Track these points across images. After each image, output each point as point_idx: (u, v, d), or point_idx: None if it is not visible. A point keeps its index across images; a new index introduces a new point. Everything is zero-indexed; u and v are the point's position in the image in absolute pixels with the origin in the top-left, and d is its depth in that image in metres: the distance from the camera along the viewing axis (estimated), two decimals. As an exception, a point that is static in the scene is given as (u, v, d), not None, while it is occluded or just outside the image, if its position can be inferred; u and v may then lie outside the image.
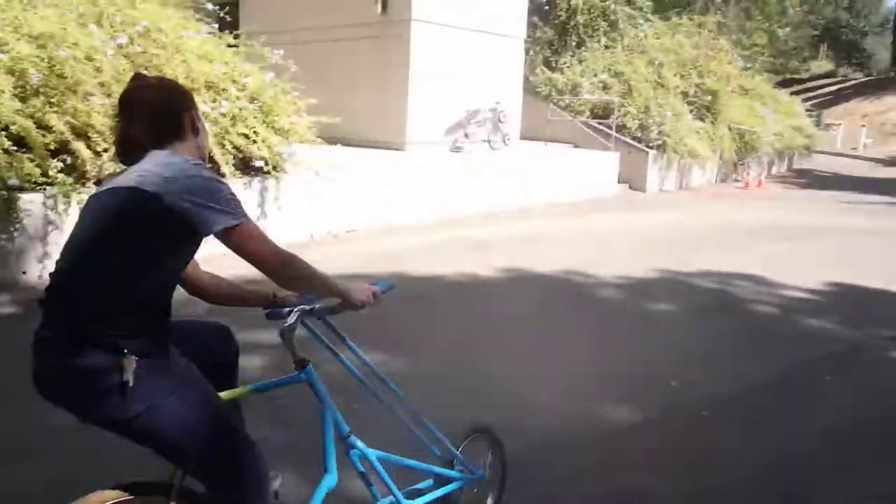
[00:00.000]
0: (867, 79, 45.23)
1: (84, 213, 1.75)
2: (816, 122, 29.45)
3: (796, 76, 47.06)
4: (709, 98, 17.03)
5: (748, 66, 19.78)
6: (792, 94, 30.11)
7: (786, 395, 4.54)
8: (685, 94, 16.85)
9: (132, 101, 1.85)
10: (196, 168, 1.73)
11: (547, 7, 16.73)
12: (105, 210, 1.69)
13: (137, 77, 2.02)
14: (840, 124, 34.35)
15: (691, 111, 16.84)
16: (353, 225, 9.26)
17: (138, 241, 1.66)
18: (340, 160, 8.84)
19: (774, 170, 22.66)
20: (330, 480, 2.00)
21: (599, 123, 15.78)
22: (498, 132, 13.51)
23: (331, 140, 9.00)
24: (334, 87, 12.65)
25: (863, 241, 10.91)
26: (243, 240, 1.71)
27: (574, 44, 16.90)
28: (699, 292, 7.14)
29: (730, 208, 14.03)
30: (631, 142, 15.61)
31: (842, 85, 44.26)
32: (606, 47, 17.13)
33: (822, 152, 28.69)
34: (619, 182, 15.03)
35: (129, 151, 1.81)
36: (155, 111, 1.83)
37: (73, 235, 1.73)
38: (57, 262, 1.73)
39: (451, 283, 7.05)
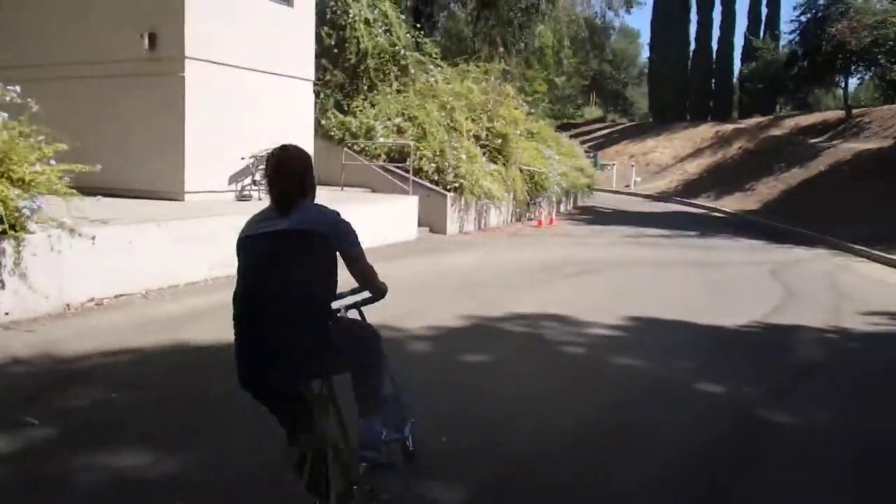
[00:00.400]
0: (631, 123, 50.40)
1: (259, 243, 2.63)
2: (594, 163, 31.91)
3: (572, 121, 51.27)
4: (499, 141, 17.45)
5: (532, 111, 20.70)
6: (570, 137, 32.48)
7: (616, 447, 4.14)
8: (477, 138, 17.11)
9: (285, 165, 2.74)
10: (338, 215, 2.79)
11: (336, 50, 16.21)
12: (288, 245, 2.60)
13: (285, 148, 2.82)
14: (614, 164, 37.64)
15: (484, 154, 17.11)
16: (124, 288, 7.81)
17: (322, 263, 2.67)
18: (105, 214, 7.46)
19: (562, 208, 23.91)
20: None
21: (396, 167, 15.45)
22: (289, 179, 12.60)
23: (91, 191, 7.57)
24: (97, 131, 11.08)
25: (651, 273, 11.48)
26: (359, 261, 2.86)
27: (366, 87, 16.52)
28: (511, 338, 6.76)
29: (528, 246, 14.25)
30: (429, 185, 15.43)
31: (611, 129, 48.87)
32: (398, 91, 16.96)
33: (601, 190, 31.08)
34: (419, 226, 14.71)
35: (288, 205, 2.66)
36: (305, 174, 2.77)
37: (254, 258, 2.62)
38: (246, 282, 2.61)
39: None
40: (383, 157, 15.79)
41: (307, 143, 13.26)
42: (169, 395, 4.82)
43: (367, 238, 11.55)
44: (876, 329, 7.97)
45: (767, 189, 26.54)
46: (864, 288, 10.98)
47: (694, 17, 43.64)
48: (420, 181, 15.36)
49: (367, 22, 16.43)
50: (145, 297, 7.79)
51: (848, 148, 25.77)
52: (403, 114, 16.40)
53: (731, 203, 26.94)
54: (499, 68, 19.29)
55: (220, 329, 6.59)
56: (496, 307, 7.87)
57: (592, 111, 58.52)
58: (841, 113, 30.43)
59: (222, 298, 7.88)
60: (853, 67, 28.07)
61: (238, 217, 10.02)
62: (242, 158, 11.65)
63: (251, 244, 2.66)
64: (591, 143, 40.07)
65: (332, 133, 15.76)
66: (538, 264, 11.60)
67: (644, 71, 55.08)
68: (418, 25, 18.51)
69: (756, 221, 22.31)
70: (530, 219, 19.89)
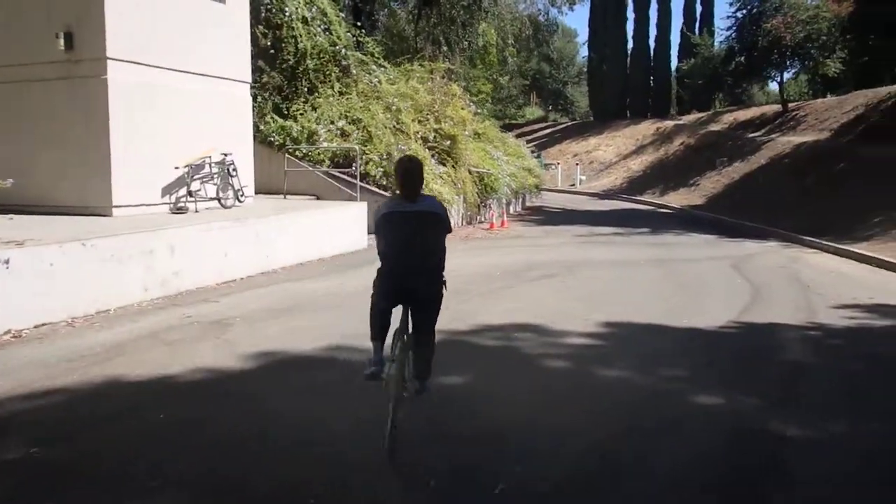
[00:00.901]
0: (573, 122, 50.67)
1: (404, 217, 3.99)
2: (539, 163, 31.71)
3: (514, 121, 51.24)
4: (448, 142, 16.91)
5: (478, 111, 20.23)
6: (515, 137, 32.21)
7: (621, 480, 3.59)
8: (425, 139, 16.53)
9: (414, 167, 4.16)
10: (442, 204, 4.27)
11: (272, 51, 15.36)
12: (424, 220, 4.02)
13: (411, 158, 4.54)
14: (558, 163, 37.60)
15: (433, 156, 16.55)
16: (46, 317, 6.91)
17: (441, 235, 4.13)
18: (20, 234, 6.57)
19: (512, 209, 23.52)
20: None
21: (342, 172, 14.73)
22: (229, 188, 11.77)
23: (3, 209, 6.67)
24: (7, 142, 10.12)
25: (614, 273, 11.10)
26: (446, 235, 4.23)
27: (306, 89, 15.71)
28: (487, 354, 6.19)
29: (484, 251, 13.71)
30: (377, 190, 14.77)
31: (553, 128, 49.00)
32: (341, 93, 16.22)
33: (547, 189, 30.90)
34: (369, 233, 13.99)
35: (414, 194, 4.03)
36: (422, 174, 4.21)
37: (403, 228, 3.98)
38: (401, 251, 4.02)
39: (183, 387, 5.27)
40: (328, 162, 15.05)
41: (246, 150, 12.51)
42: (102, 448, 4.07)
43: (314, 249, 10.76)
44: (852, 324, 7.74)
45: (711, 184, 26.76)
46: (825, 280, 10.82)
47: (631, 15, 44.11)
48: (368, 186, 14.70)
49: (304, 20, 15.64)
50: (71, 325, 6.95)
51: (786, 141, 26.18)
52: (347, 116, 15.69)
53: (677, 198, 27.06)
54: (444, 67, 18.75)
55: (160, 359, 5.87)
56: (463, 319, 7.29)
57: (534, 111, 58.69)
58: (777, 107, 31.02)
59: (161, 322, 7.20)
60: (788, 62, 28.58)
61: (176, 231, 9.26)
62: (176, 168, 10.76)
63: (396, 218, 4.04)
64: (534, 143, 39.92)
65: (272, 138, 14.92)
66: (498, 269, 11.07)
67: (583, 70, 55.51)
68: (358, 24, 17.78)
69: (703, 216, 22.37)
70: (481, 221, 19.39)
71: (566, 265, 11.65)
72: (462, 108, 17.98)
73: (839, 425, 4.72)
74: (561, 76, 56.75)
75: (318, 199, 14.47)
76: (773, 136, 27.91)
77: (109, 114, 9.79)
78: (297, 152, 14.86)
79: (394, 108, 16.33)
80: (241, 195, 11.94)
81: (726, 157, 28.23)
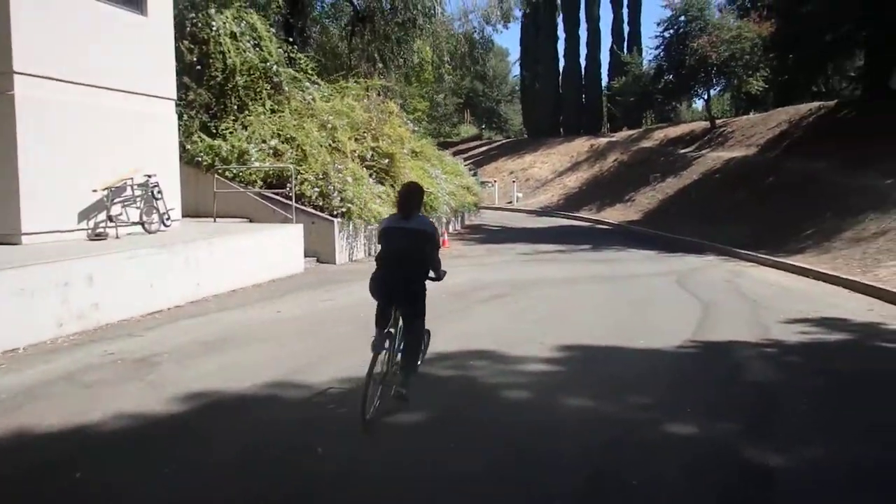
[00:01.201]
0: (507, 140, 51.04)
1: (395, 232, 4.89)
2: (476, 181, 31.58)
3: (449, 139, 51.24)
4: (386, 161, 16.46)
5: (415, 129, 19.88)
6: (451, 155, 32.02)
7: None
8: (363, 158, 16.04)
9: (414, 191, 5.08)
10: (433, 224, 5.16)
11: (199, 67, 14.61)
12: (411, 235, 4.83)
13: (411, 183, 5.50)
14: (495, 181, 37.62)
15: (371, 175, 16.06)
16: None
17: (426, 248, 4.91)
18: None
19: (451, 228, 23.22)
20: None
21: (275, 193, 14.06)
22: (154, 211, 10.98)
23: None
24: None
25: (562, 292, 10.82)
26: (436, 253, 5.06)
27: (235, 107, 14.99)
28: (440, 386, 5.74)
29: (425, 274, 13.28)
30: (313, 211, 14.16)
31: (489, 146, 49.19)
32: (273, 111, 15.56)
33: (485, 207, 30.75)
34: (306, 256, 13.43)
35: (409, 214, 4.87)
36: (420, 198, 5.10)
37: (395, 242, 4.88)
38: (389, 257, 4.89)
39: (104, 438, 4.62)
40: (260, 183, 14.35)
41: (172, 170, 11.79)
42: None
43: (248, 274, 10.04)
44: (806, 339, 7.63)
45: (646, 199, 27.13)
46: (769, 294, 10.82)
47: (562, 34, 44.86)
48: (303, 207, 14.07)
49: (233, 35, 14.96)
50: (-33, 370, 6.12)
51: (716, 157, 26.83)
52: (280, 135, 15.04)
53: (614, 214, 27.32)
54: (380, 84, 18.33)
55: (77, 405, 5.12)
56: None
57: (468, 129, 58.94)
58: (706, 124, 31.86)
59: (78, 361, 6.40)
60: (714, 80, 29.42)
61: (94, 260, 8.46)
62: (95, 191, 9.94)
63: (392, 232, 4.96)
64: (470, 161, 39.74)
65: (200, 158, 14.14)
66: (444, 291, 10.56)
67: (515, 88, 56.15)
68: (290, 40, 17.16)
69: (641, 231, 22.57)
70: (421, 241, 18.99)
71: (514, 284, 11.33)
72: (400, 126, 17.57)
73: (818, 450, 4.50)
74: (494, 94, 57.24)
75: (250, 221, 13.76)
76: (702, 151, 28.59)
77: (17, 132, 8.95)
78: (227, 173, 14.12)
79: (329, 126, 15.78)
80: (167, 219, 11.17)
81: (659, 173, 28.73)
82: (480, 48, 25.73)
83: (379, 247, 5.16)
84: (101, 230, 10.08)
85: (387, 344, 4.86)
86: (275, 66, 15.74)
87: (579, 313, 9.04)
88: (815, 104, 25.68)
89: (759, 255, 15.04)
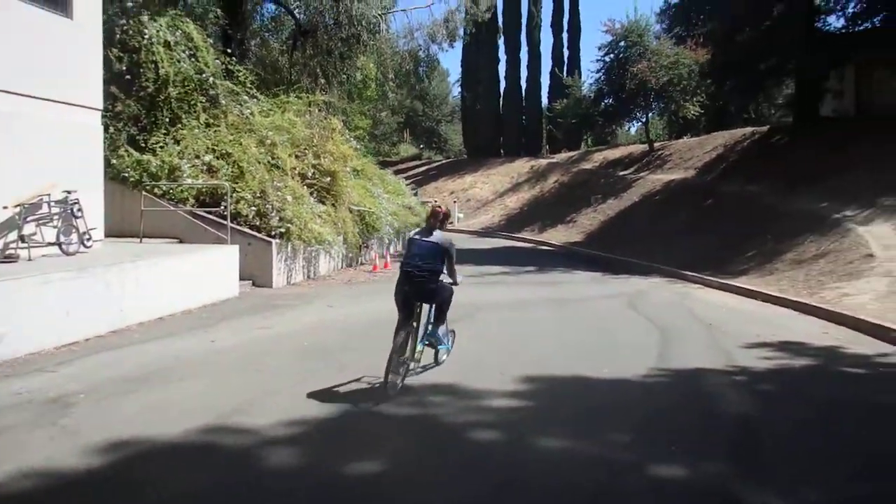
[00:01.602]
0: (447, 160, 50.90)
1: (418, 244, 6.18)
2: (417, 201, 31.12)
3: (388, 159, 50.73)
4: (328, 179, 15.79)
5: (357, 147, 19.27)
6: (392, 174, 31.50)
7: None
8: (303, 176, 15.34)
9: (438, 213, 6.37)
10: (451, 239, 6.34)
11: (129, 77, 13.69)
12: (430, 248, 6.08)
13: (439, 206, 6.88)
14: (435, 201, 37.21)
15: (312, 194, 15.37)
16: None
17: (441, 261, 6.14)
18: None
19: (393, 249, 22.65)
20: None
21: (209, 212, 13.22)
22: (73, 230, 10.02)
23: None
24: None
25: (515, 317, 10.43)
26: (453, 264, 6.29)
27: (167, 120, 14.08)
28: (399, 427, 5.18)
29: (371, 296, 12.63)
30: (250, 232, 13.38)
31: (428, 166, 48.93)
32: (208, 125, 14.71)
33: (426, 228, 30.27)
34: (241, 279, 12.64)
35: (431, 229, 6.21)
36: (444, 219, 6.39)
37: (416, 250, 6.16)
38: (411, 261, 6.13)
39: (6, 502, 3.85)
40: (192, 201, 13.46)
41: (95, 186, 10.90)
42: None
43: (178, 300, 9.14)
44: (772, 365, 7.42)
45: (588, 220, 27.21)
46: (722, 317, 10.64)
47: (503, 56, 45.21)
48: (239, 227, 13.27)
49: (166, 45, 14.09)
50: None
51: (656, 179, 27.20)
52: (215, 150, 14.18)
53: (556, 235, 27.28)
54: (322, 100, 17.67)
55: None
56: (365, 381, 6.23)
57: (408, 149, 58.58)
58: (644, 146, 32.39)
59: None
60: (653, 104, 29.96)
61: (1, 286, 7.57)
62: (5, 208, 8.99)
63: (417, 242, 6.22)
64: (410, 181, 39.27)
65: (127, 174, 13.18)
66: (391, 317, 10.05)
67: (456, 108, 56.19)
68: (228, 51, 16.35)
69: (584, 252, 22.50)
70: (362, 263, 18.35)
71: (464, 309, 10.77)
72: (343, 143, 16.95)
73: (820, 491, 4.15)
74: (434, 114, 57.15)
75: (181, 242, 12.88)
76: (642, 174, 28.95)
77: (-86, 141, 7.98)
78: (156, 190, 13.19)
79: (268, 142, 15.03)
80: (88, 239, 10.24)
81: (600, 194, 28.93)
82: (425, 66, 25.38)
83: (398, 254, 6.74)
84: (12, 251, 9.11)
85: (406, 332, 6.20)
86: (211, 78, 14.92)
87: (537, 340, 8.62)
88: (749, 129, 26.39)
89: (705, 277, 15.03)
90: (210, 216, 13.19)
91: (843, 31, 21.47)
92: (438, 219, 6.31)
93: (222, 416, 5.26)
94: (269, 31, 23.44)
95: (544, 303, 11.91)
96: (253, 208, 13.60)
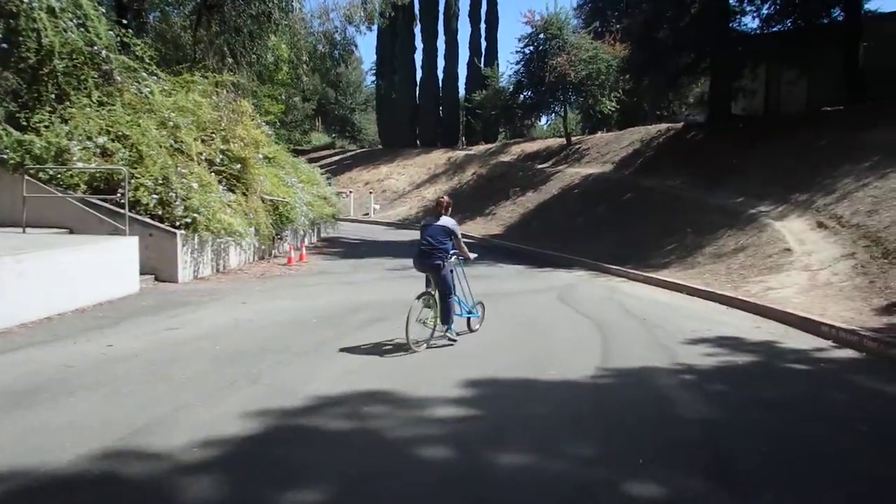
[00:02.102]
0: (362, 150, 49.77)
1: (430, 227, 7.66)
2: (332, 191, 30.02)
3: (300, 147, 49.09)
4: (238, 166, 14.65)
5: (269, 133, 18.08)
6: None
7: None
8: (211, 162, 14.15)
9: (443, 202, 7.95)
10: (455, 222, 7.82)
11: (6, 46, 12.12)
12: (439, 229, 7.60)
13: (445, 196, 9.79)
14: (350, 192, 36.20)
15: (220, 181, 14.22)
16: None
17: (448, 238, 7.63)
18: None
19: (308, 241, 21.61)
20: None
21: (104, 200, 11.91)
22: (-63, 219, 8.64)
23: None
24: None
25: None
26: (459, 241, 7.80)
27: (53, 97, 12.58)
28: (334, 444, 4.47)
29: (288, 291, 11.71)
30: (151, 222, 12.17)
31: (342, 155, 47.67)
32: (101, 104, 13.26)
33: (341, 219, 29.27)
34: (142, 274, 11.47)
35: (439, 215, 7.71)
36: (448, 207, 7.85)
37: (427, 232, 7.60)
38: (423, 240, 7.60)
39: None
40: (84, 187, 12.11)
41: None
42: None
43: (69, 297, 7.88)
44: (716, 362, 7.13)
45: (507, 213, 26.96)
46: (653, 311, 10.39)
47: (420, 45, 44.49)
48: (139, 217, 12.05)
49: (51, 11, 12.54)
50: None
51: (574, 172, 27.24)
52: (110, 132, 12.80)
53: (476, 228, 26.85)
54: (231, 80, 16.40)
55: None
56: (290, 391, 5.46)
57: (320, 137, 56.97)
58: (562, 140, 32.48)
59: None
60: (572, 97, 29.99)
61: None
62: None
63: (427, 225, 7.68)
64: (323, 171, 38.15)
65: (6, 155, 11.68)
66: (313, 315, 9.22)
67: (370, 97, 55.06)
68: (124, 22, 14.83)
69: (505, 246, 22.15)
70: (276, 256, 17.29)
71: (392, 306, 10.10)
72: (255, 128, 15.80)
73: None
74: (348, 102, 55.78)
75: (71, 232, 11.56)
76: (560, 167, 28.97)
77: None
78: (41, 174, 11.77)
79: (171, 124, 13.75)
80: (-43, 228, 8.87)
81: (519, 187, 28.75)
82: (341, 49, 24.22)
83: None
84: None
85: (422, 298, 7.49)
86: (104, 52, 13.47)
87: (474, 338, 8.03)
88: (664, 125, 26.81)
89: (629, 271, 14.91)
90: (106, 205, 11.89)
91: (757, 32, 22.00)
92: (443, 206, 7.81)
93: (124, 438, 4.36)
94: (169, 4, 21.68)
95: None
96: (154, 196, 12.37)
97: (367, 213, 34.13)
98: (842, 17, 19.65)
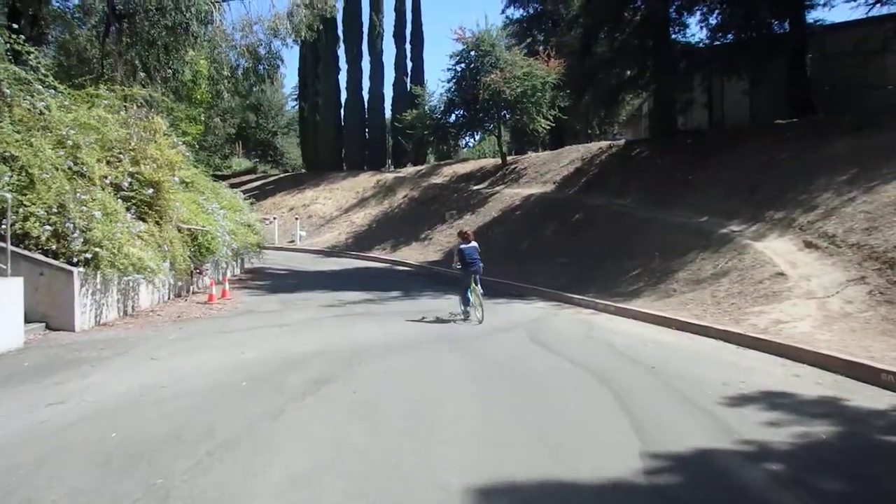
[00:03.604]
0: (286, 175, 47.53)
1: (472, 249, 12.52)
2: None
3: (220, 172, 46.44)
4: (150, 191, 12.68)
5: (186, 154, 16.07)
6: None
7: None
8: (118, 187, 12.16)
9: (467, 234, 12.84)
10: (476, 247, 12.78)
11: None
12: (475, 249, 12.57)
13: (463, 230, 13.45)
14: (275, 218, 34.05)
15: (129, 209, 12.23)
16: None
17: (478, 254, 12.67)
18: None
19: (230, 273, 19.56)
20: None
21: (-20, 234, 9.79)
22: None
23: None
24: None
25: (404, 366, 8.20)
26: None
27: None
28: None
29: (208, 339, 9.83)
30: (42, 258, 10.14)
31: (265, 180, 45.32)
32: (-17, 120, 11.13)
33: (265, 248, 27.17)
34: (30, 321, 9.49)
35: (469, 241, 12.77)
36: (468, 236, 12.78)
37: (473, 254, 12.48)
38: (474, 261, 12.40)
39: None
40: (-44, 218, 9.93)
41: None
42: None
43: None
44: (793, 438, 5.42)
45: (444, 237, 25.55)
46: (653, 354, 8.81)
47: (344, 65, 42.86)
48: (25, 252, 10.01)
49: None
50: None
51: (513, 193, 26.17)
52: (-6, 152, 10.71)
53: (412, 254, 25.35)
54: (143, 94, 14.35)
55: None
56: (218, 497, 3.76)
57: (240, 162, 54.26)
58: (496, 160, 31.47)
59: None
60: (506, 116, 28.99)
61: None
62: None
63: (467, 248, 12.45)
64: (246, 196, 35.89)
65: None
66: (241, 375, 7.44)
67: (293, 120, 52.92)
68: (15, 27, 12.63)
69: (447, 273, 20.60)
70: (195, 292, 15.28)
71: (335, 357, 8.44)
72: (169, 147, 13.81)
73: None
74: (269, 126, 53.40)
75: (-63, 274, 9.40)
76: (497, 188, 27.89)
77: None
78: None
79: (70, 143, 11.70)
80: None
81: (455, 209, 27.48)
82: (267, 63, 22.30)
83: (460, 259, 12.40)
84: None
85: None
86: (-12, 60, 11.35)
87: (455, 410, 6.27)
88: (605, 143, 26.18)
89: (596, 301, 13.66)
90: (-19, 239, 9.77)
91: (699, 44, 21.58)
92: (469, 235, 12.68)
93: None
94: (73, 14, 19.23)
95: (433, 341, 9.83)
96: (48, 228, 10.37)
97: (293, 241, 32.08)
98: (786, 30, 19.36)
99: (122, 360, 8.28)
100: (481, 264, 12.34)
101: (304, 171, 46.48)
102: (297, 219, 33.85)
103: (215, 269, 17.19)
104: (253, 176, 48.56)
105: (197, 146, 23.11)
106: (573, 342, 9.86)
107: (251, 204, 26.19)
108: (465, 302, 12.12)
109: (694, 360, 8.61)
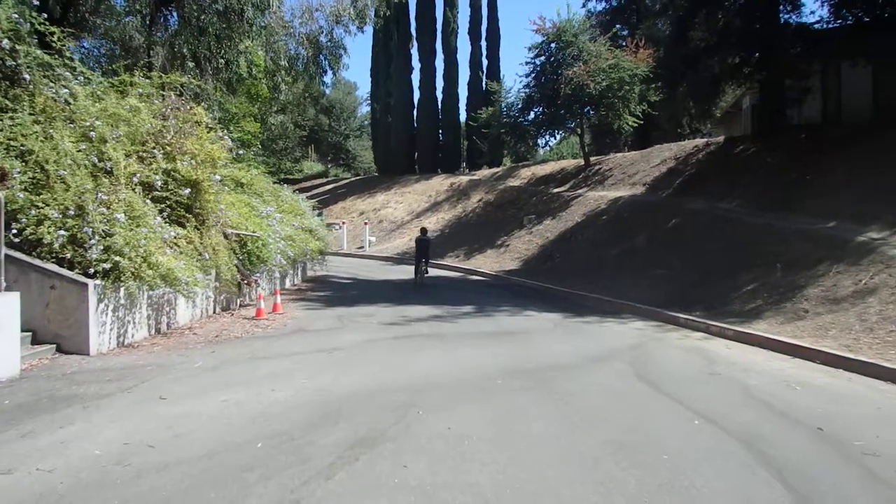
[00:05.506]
0: (357, 178, 46.37)
1: (419, 240, 18.94)
2: (321, 222, 26.48)
3: (290, 176, 45.78)
4: (187, 191, 11.12)
5: (240, 151, 14.51)
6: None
7: None
8: (149, 187, 10.61)
9: (424, 230, 19.63)
10: (428, 239, 19.51)
11: None
12: (426, 242, 18.81)
13: (423, 228, 20.30)
14: (343, 223, 32.72)
15: (162, 211, 10.68)
16: None
17: (429, 247, 19.31)
18: None
19: (288, 282, 18.03)
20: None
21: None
22: None
23: None
24: None
25: (477, 421, 6.00)
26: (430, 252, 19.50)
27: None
28: None
29: (241, 370, 8.04)
30: (54, 268, 8.64)
31: (336, 184, 44.27)
32: (2, 109, 9.80)
33: (331, 253, 25.69)
34: (38, 343, 8.02)
35: (425, 233, 19.43)
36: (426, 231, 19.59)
37: (419, 245, 18.82)
38: (417, 250, 18.94)
39: None
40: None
41: None
42: None
43: None
44: None
45: (524, 244, 23.38)
46: (811, 405, 6.51)
47: (417, 65, 41.36)
48: (33, 261, 8.53)
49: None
50: None
51: (599, 196, 23.74)
52: (10, 146, 9.34)
53: (487, 262, 23.27)
54: (183, 81, 12.84)
55: None
56: None
57: (312, 166, 53.57)
58: (578, 161, 29.07)
59: None
60: (590, 112, 26.59)
61: None
62: None
63: (419, 240, 18.79)
64: (315, 200, 34.74)
65: None
66: (258, 432, 5.55)
67: (365, 123, 51.87)
68: (36, 2, 11.25)
69: (527, 284, 18.57)
70: (244, 305, 13.71)
71: (388, 402, 6.46)
72: (211, 142, 12.21)
73: None
74: (342, 129, 52.50)
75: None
76: (580, 191, 25.50)
77: None
78: None
79: (95, 136, 10.24)
80: None
81: (534, 214, 25.25)
82: (328, 53, 20.72)
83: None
84: None
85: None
86: (5, 41, 10.01)
87: (548, 490, 4.29)
88: (701, 141, 23.43)
89: (708, 322, 11.24)
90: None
91: (816, 25, 18.67)
92: (425, 233, 18.94)
93: None
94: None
95: (509, 376, 7.71)
96: (62, 233, 8.86)
97: (362, 247, 30.57)
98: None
99: (123, 401, 6.56)
100: (428, 252, 18.57)
101: (375, 174, 45.20)
102: (366, 224, 32.36)
103: (269, 279, 15.62)
104: (324, 180, 47.66)
105: (260, 145, 21.64)
106: (693, 382, 7.56)
107: (317, 209, 24.75)
108: (415, 273, 18.49)
109: (876, 417, 6.18)
